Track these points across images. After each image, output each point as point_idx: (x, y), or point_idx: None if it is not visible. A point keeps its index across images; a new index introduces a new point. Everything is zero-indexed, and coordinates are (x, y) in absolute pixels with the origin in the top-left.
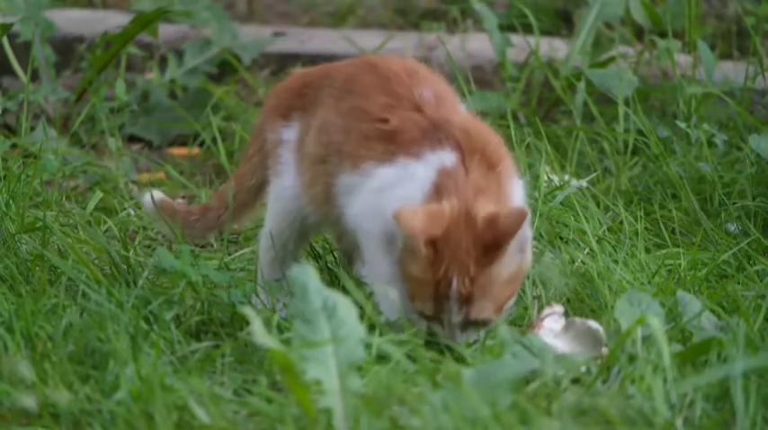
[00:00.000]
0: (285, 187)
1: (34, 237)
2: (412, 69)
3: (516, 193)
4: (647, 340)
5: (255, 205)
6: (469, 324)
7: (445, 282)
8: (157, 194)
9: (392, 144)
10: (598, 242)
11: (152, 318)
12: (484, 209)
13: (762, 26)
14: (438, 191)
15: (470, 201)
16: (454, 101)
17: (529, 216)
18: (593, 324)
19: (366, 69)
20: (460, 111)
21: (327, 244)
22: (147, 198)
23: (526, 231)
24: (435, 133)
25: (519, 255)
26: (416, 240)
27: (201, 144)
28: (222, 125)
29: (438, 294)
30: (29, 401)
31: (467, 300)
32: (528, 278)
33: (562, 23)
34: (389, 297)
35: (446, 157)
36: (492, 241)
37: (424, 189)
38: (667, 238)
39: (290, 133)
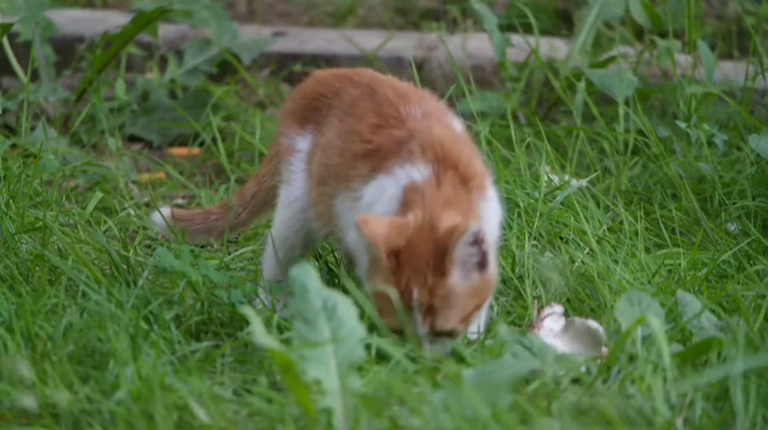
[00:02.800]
0: (294, 197)
1: (34, 237)
2: (404, 92)
3: (486, 209)
4: (647, 340)
5: (274, 205)
6: (436, 335)
7: (407, 293)
8: (165, 210)
9: (374, 160)
10: (598, 242)
11: (152, 317)
12: (449, 220)
13: (762, 26)
14: (405, 207)
15: (437, 213)
16: (443, 116)
17: (473, 231)
18: (593, 324)
19: (366, 94)
20: (447, 125)
21: (328, 244)
22: (156, 218)
23: (485, 246)
24: (408, 144)
25: (478, 269)
26: (378, 248)
27: (201, 144)
28: (222, 125)
29: (402, 307)
30: (29, 401)
31: (429, 311)
32: (528, 277)
33: (562, 23)
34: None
35: (415, 173)
36: (444, 253)
37: (393, 207)
38: (667, 238)
39: (303, 143)
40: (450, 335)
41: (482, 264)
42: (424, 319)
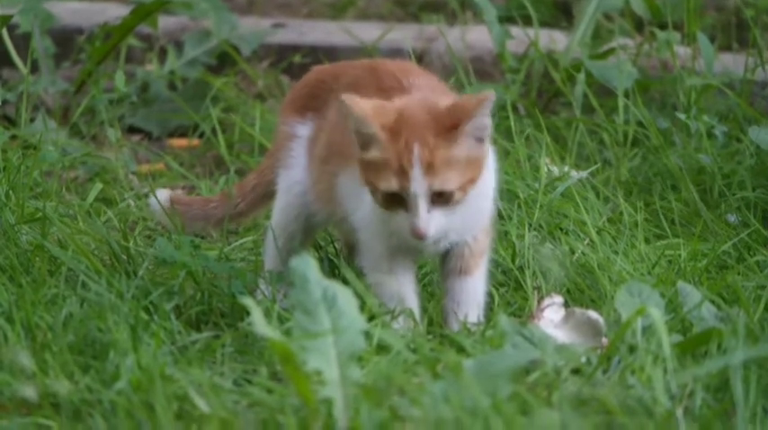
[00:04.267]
0: (294, 182)
1: (34, 228)
2: (406, 67)
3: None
4: (647, 330)
5: (273, 197)
6: (435, 197)
7: (407, 151)
8: (164, 193)
9: None
10: (598, 233)
11: (152, 308)
12: (443, 101)
13: (761, 18)
14: None
15: (429, 96)
16: (445, 92)
17: (490, 101)
18: (593, 314)
19: (368, 72)
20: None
21: (328, 235)
22: (153, 201)
23: (486, 120)
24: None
25: (477, 142)
26: (369, 121)
27: (201, 135)
28: (222, 116)
29: (401, 165)
30: (29, 391)
31: (429, 168)
32: (528, 268)
33: (562, 15)
34: (387, 286)
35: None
36: (451, 121)
37: None
38: (667, 229)
39: (304, 130)
40: (446, 200)
41: (481, 137)
42: (424, 176)
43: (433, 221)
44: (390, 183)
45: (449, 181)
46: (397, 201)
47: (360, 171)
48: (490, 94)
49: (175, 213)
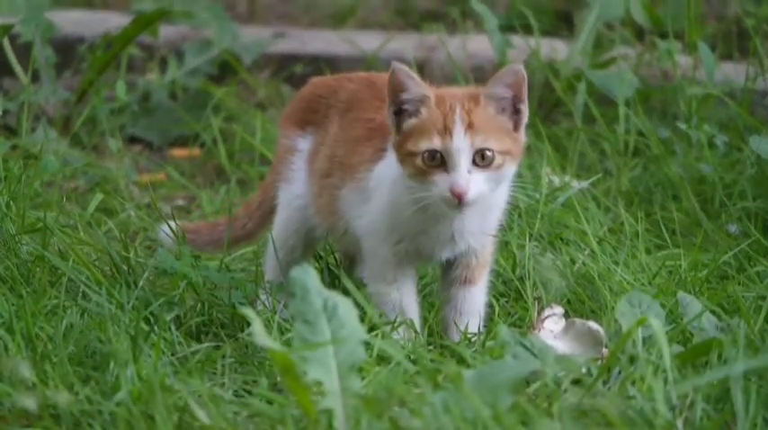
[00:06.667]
0: (294, 196)
1: (35, 238)
2: None
3: None
4: (648, 341)
5: None
6: (476, 157)
7: (451, 112)
8: (171, 224)
9: (378, 139)
10: (599, 243)
11: (152, 319)
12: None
13: (762, 27)
14: None
15: None
16: None
17: (510, 73)
18: (594, 325)
19: (366, 85)
20: None
21: (329, 245)
22: (164, 231)
23: (500, 90)
24: None
25: (501, 112)
26: (424, 86)
27: (202, 145)
28: (223, 126)
29: (445, 125)
30: (29, 402)
31: (470, 126)
32: (529, 279)
33: (562, 24)
34: (389, 296)
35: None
36: (477, 91)
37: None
38: (668, 239)
39: (304, 144)
40: (488, 163)
41: (516, 124)
42: (466, 133)
43: (473, 182)
44: (434, 142)
45: (488, 140)
46: (437, 164)
47: (399, 147)
48: (510, 69)
49: (184, 242)
